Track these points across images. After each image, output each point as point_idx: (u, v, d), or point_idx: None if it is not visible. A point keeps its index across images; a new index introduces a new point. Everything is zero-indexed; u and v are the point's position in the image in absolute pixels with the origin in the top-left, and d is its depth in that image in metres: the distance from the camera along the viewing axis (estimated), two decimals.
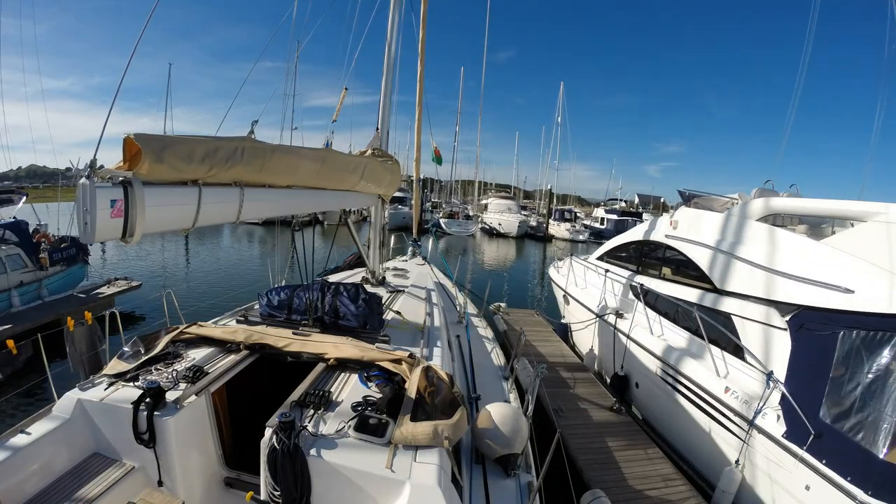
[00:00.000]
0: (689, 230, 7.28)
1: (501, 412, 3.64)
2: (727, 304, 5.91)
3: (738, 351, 5.62)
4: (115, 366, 3.30)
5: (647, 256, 8.41)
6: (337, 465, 2.53)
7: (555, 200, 53.05)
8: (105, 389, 3.05)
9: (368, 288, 5.44)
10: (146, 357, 3.41)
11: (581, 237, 39.79)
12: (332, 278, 6.62)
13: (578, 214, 50.10)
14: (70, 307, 10.92)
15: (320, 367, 3.46)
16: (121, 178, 2.28)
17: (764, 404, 4.78)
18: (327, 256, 7.56)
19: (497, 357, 6.07)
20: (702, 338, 5.94)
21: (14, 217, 11.58)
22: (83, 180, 2.13)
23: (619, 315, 7.90)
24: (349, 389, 3.19)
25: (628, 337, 7.30)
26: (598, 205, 58.06)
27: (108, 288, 12.54)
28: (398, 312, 5.00)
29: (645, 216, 41.96)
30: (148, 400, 2.84)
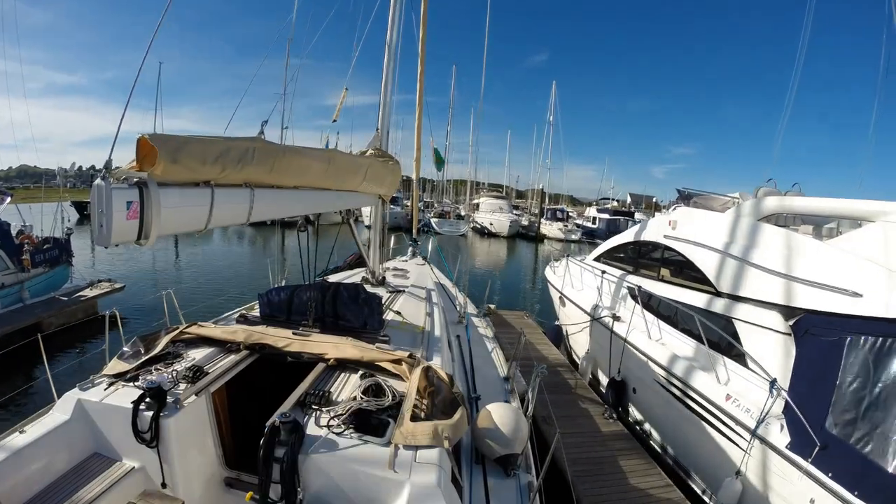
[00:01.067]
0: (689, 230, 7.05)
1: (501, 412, 3.67)
2: (728, 308, 5.70)
3: (739, 356, 5.42)
4: (114, 366, 3.28)
5: (644, 257, 8.17)
6: (337, 465, 2.54)
7: (547, 200, 53.08)
8: (105, 389, 3.04)
9: (368, 288, 5.45)
10: (146, 357, 3.39)
11: (573, 237, 39.83)
12: (332, 278, 6.62)
13: (570, 214, 50.26)
14: (51, 310, 10.78)
15: (320, 367, 3.47)
16: (136, 180, 2.25)
17: (767, 413, 4.55)
18: (328, 257, 7.55)
19: (497, 357, 6.09)
20: (702, 342, 5.72)
21: None
22: (98, 181, 2.09)
23: (615, 318, 7.65)
24: (349, 389, 3.19)
25: (625, 341, 7.08)
26: (590, 204, 58.28)
27: (91, 290, 12.32)
28: (398, 312, 5.01)
29: (637, 216, 42.24)
30: (148, 400, 2.84)
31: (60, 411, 2.95)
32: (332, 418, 2.82)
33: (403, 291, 6.18)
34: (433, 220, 39.09)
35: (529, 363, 4.82)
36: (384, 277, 6.84)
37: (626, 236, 9.15)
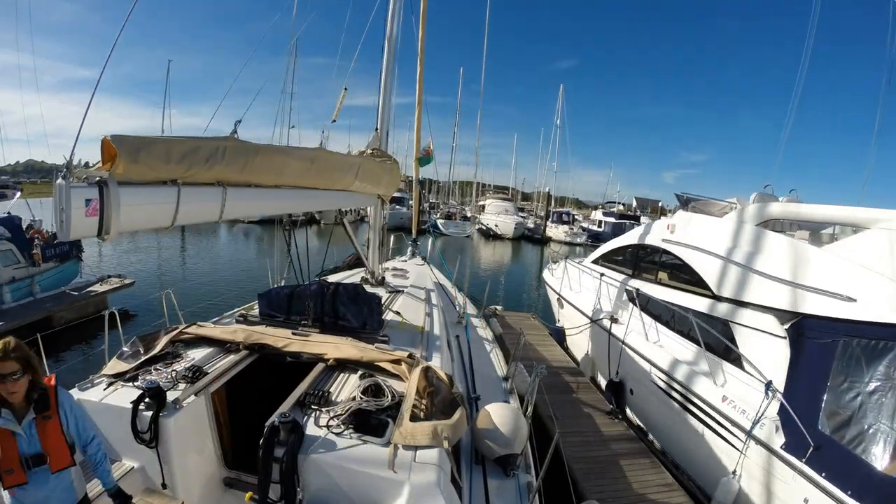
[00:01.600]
0: (687, 234, 7.13)
1: (501, 412, 3.66)
2: (725, 311, 5.77)
3: (735, 359, 5.48)
4: (114, 366, 3.28)
5: (643, 260, 8.27)
6: (336, 465, 2.53)
7: (553, 202, 52.91)
8: (104, 389, 3.04)
9: (368, 288, 5.44)
10: (145, 357, 3.39)
11: (579, 240, 39.53)
12: (332, 278, 6.61)
13: (576, 217, 50.05)
14: (62, 304, 10.87)
15: (320, 367, 3.46)
16: (97, 179, 2.34)
17: (762, 414, 4.63)
18: (324, 256, 7.57)
19: (497, 357, 6.07)
20: (699, 345, 5.81)
21: (8, 212, 11.46)
22: (59, 180, 2.20)
23: (613, 320, 7.76)
24: (348, 389, 3.18)
25: (623, 342, 7.16)
26: (595, 207, 58.08)
27: (101, 286, 12.45)
28: (398, 313, 5.01)
29: (643, 219, 42.05)
30: (147, 400, 2.83)
31: None
32: (331, 418, 2.81)
33: (403, 291, 6.18)
34: (439, 222, 39.09)
35: (530, 364, 4.80)
36: (383, 277, 6.84)
37: (624, 239, 9.24)
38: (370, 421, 2.79)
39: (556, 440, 3.17)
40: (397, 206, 39.39)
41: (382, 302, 5.19)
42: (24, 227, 11.54)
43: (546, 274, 12.51)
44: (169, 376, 3.19)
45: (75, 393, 3.01)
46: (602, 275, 8.82)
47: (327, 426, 2.75)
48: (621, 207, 51.55)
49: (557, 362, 8.83)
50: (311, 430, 2.71)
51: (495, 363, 5.90)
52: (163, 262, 20.24)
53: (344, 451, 2.59)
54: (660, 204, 49.41)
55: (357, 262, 8.13)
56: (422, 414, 2.87)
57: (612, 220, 42.73)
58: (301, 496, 2.53)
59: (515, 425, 3.56)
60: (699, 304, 6.21)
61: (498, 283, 20.80)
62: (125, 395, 2.94)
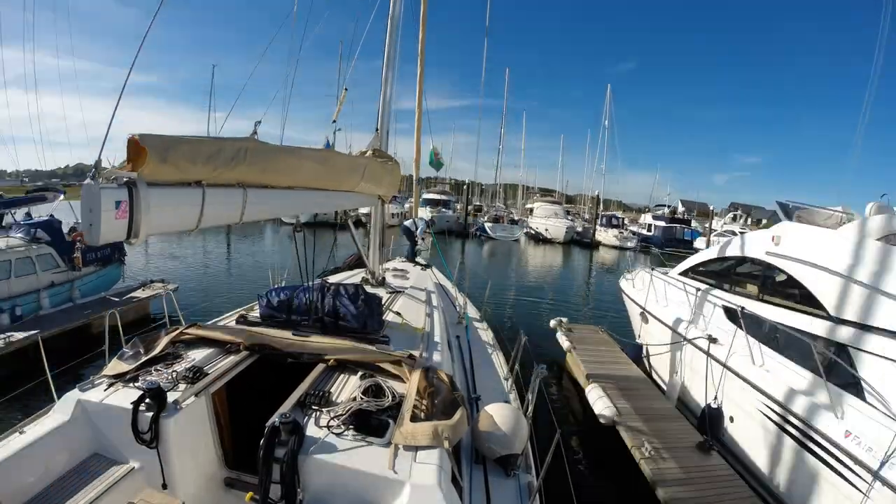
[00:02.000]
0: (795, 247, 6.41)
1: (501, 413, 3.65)
2: (845, 335, 5.18)
3: (857, 388, 4.90)
4: (114, 366, 3.28)
5: (740, 274, 7.56)
6: (337, 466, 2.53)
7: (600, 206, 49.38)
8: (105, 390, 3.04)
9: (368, 289, 5.44)
10: (146, 358, 3.39)
11: (629, 244, 36.97)
12: (332, 279, 6.61)
13: (625, 220, 47.84)
14: (102, 311, 10.20)
15: (320, 367, 3.46)
16: (125, 179, 2.26)
17: (892, 453, 4.09)
18: (328, 257, 7.57)
19: (497, 358, 6.07)
20: (813, 371, 5.27)
21: (51, 215, 11.13)
22: (87, 181, 2.11)
23: (712, 339, 6.99)
24: (349, 390, 3.18)
25: (724, 365, 6.42)
26: (640, 210, 55.51)
27: (143, 291, 11.65)
28: (398, 313, 5.00)
29: (693, 223, 40.51)
30: (148, 401, 2.83)
31: (60, 412, 2.95)
32: (332, 419, 2.81)
33: (403, 292, 6.17)
34: (487, 225, 38.26)
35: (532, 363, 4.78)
36: (384, 278, 6.84)
37: (716, 251, 8.48)
38: (371, 421, 2.79)
39: (556, 440, 3.16)
40: (443, 209, 38.58)
41: (383, 302, 5.19)
42: (67, 230, 11.14)
43: (623, 283, 11.48)
44: (169, 377, 3.19)
45: (76, 393, 3.02)
46: (697, 290, 8.03)
47: (328, 426, 2.75)
48: (667, 210, 48.40)
49: (636, 383, 8.00)
50: (311, 430, 2.71)
51: (496, 363, 5.90)
52: (162, 263, 20.27)
53: (344, 452, 2.59)
54: (711, 208, 47.08)
55: (358, 263, 8.13)
56: (422, 414, 2.87)
57: (662, 223, 40.58)
58: (302, 496, 2.52)
59: (516, 425, 3.55)
60: (812, 325, 5.62)
61: (550, 290, 18.84)
62: (126, 396, 2.94)
